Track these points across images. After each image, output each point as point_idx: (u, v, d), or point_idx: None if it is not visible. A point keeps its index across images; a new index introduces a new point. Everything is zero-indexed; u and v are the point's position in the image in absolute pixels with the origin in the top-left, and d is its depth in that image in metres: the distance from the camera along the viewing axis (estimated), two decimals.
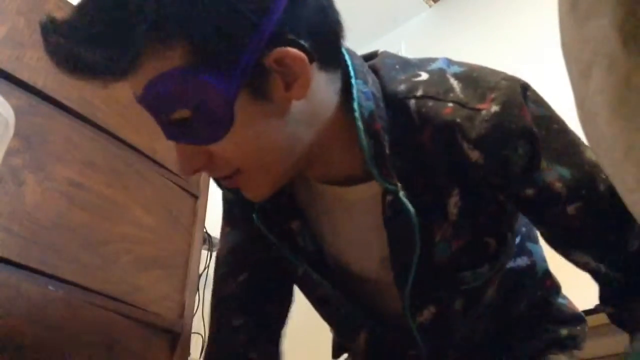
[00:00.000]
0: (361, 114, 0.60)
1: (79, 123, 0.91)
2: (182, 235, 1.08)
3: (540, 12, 2.03)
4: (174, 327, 0.99)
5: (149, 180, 1.02)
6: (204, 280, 1.78)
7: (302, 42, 0.53)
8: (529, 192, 0.60)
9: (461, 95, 0.60)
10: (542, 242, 0.74)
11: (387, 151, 0.61)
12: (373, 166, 0.60)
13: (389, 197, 0.62)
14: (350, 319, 0.77)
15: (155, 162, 1.05)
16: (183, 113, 0.54)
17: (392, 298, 0.70)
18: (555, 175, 0.59)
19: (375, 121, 0.60)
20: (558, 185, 0.59)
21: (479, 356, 0.78)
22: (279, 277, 0.81)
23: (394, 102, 0.62)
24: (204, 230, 1.31)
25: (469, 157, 0.59)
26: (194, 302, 1.08)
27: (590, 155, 0.61)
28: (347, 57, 0.63)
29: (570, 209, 0.59)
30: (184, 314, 1.02)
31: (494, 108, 0.58)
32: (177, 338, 0.99)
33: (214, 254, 1.88)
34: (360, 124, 0.59)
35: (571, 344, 0.80)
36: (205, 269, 1.83)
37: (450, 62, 0.65)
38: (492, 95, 0.58)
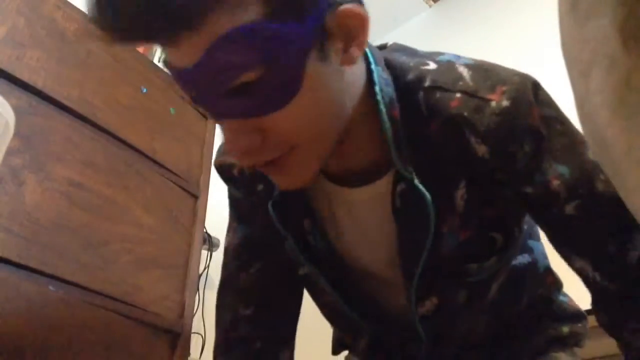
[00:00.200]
0: (383, 97, 0.60)
1: (79, 123, 0.91)
2: (182, 235, 1.08)
3: (540, 12, 2.03)
4: (174, 327, 0.99)
5: (149, 180, 1.02)
6: (204, 280, 1.78)
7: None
8: (529, 189, 0.60)
9: (470, 83, 0.60)
10: (543, 239, 0.74)
11: (404, 138, 0.61)
12: (394, 149, 0.60)
13: (400, 187, 0.62)
14: (353, 326, 0.78)
15: (155, 162, 1.05)
16: (250, 76, 0.49)
17: (396, 292, 0.70)
18: (554, 173, 0.60)
19: (395, 107, 0.61)
20: (556, 182, 0.59)
21: (479, 353, 0.78)
22: (290, 270, 0.81)
23: (404, 93, 0.62)
24: (204, 230, 1.31)
25: (476, 152, 0.60)
26: (194, 302, 1.08)
27: (592, 156, 0.61)
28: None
29: (569, 208, 0.59)
30: (184, 314, 1.02)
31: (505, 102, 0.58)
32: (177, 338, 0.99)
33: (214, 254, 1.90)
34: (382, 107, 0.60)
35: (572, 341, 0.80)
36: (205, 269, 1.83)
37: (459, 56, 0.65)
38: (503, 88, 0.58)
